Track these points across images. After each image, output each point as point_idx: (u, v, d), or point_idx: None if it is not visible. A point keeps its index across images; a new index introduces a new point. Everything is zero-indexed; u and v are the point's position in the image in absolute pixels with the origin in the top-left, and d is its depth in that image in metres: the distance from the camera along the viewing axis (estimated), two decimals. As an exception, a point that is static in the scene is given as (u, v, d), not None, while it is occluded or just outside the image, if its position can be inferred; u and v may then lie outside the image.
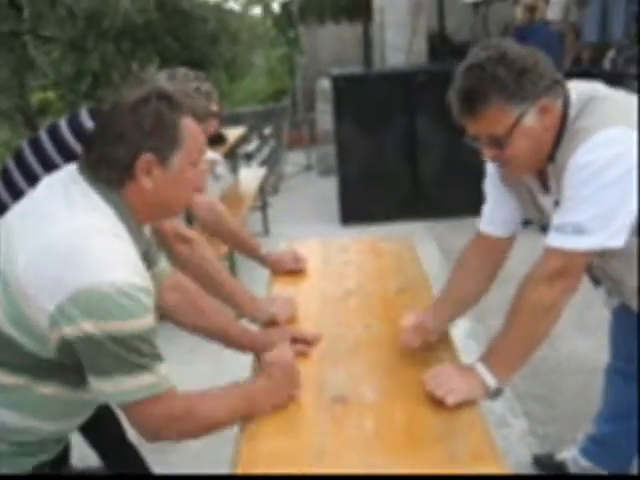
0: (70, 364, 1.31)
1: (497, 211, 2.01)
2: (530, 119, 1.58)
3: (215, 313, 1.83)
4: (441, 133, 5.98)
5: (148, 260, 1.52)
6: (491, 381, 1.59)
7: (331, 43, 10.93)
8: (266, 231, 6.04)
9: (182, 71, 2.22)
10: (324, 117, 7.87)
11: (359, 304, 2.13)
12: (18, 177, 2.31)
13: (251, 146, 7.95)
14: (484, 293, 2.04)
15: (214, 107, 2.18)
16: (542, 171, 1.75)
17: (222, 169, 5.51)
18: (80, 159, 1.41)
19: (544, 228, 1.83)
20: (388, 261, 2.49)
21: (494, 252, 2.02)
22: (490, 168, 2.04)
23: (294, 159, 8.82)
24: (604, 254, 1.67)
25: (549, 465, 2.55)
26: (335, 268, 2.45)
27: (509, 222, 2.01)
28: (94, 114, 2.35)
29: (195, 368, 3.39)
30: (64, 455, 2.35)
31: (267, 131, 8.58)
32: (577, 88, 1.68)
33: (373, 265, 2.47)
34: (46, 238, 1.27)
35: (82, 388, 1.39)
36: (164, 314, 1.77)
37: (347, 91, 6.05)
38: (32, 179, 2.30)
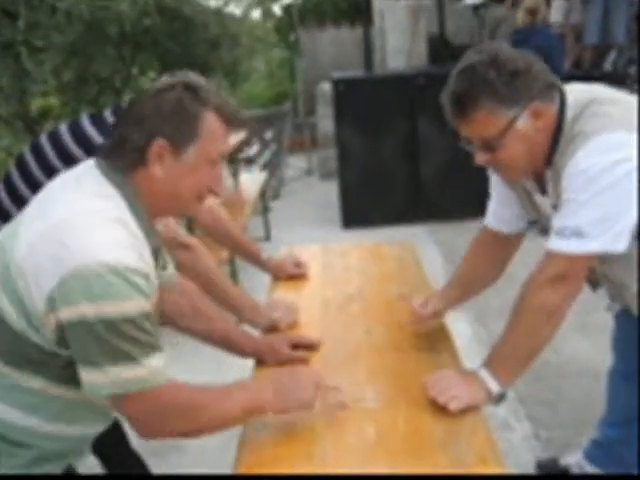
0: (63, 356, 1.30)
1: (500, 209, 2.02)
2: (522, 123, 1.57)
3: (216, 317, 1.82)
4: (442, 136, 5.97)
5: (159, 261, 1.50)
6: (494, 387, 1.58)
7: (331, 47, 10.94)
8: (267, 236, 6.04)
9: (181, 75, 2.21)
10: (325, 121, 7.88)
11: (360, 309, 2.12)
12: (20, 184, 2.31)
13: (252, 150, 7.95)
14: (491, 281, 2.07)
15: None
16: (539, 174, 1.74)
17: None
18: (98, 151, 1.41)
19: (545, 231, 1.83)
20: (389, 266, 2.48)
21: (501, 247, 2.04)
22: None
23: (295, 163, 8.82)
24: (605, 259, 1.66)
25: (553, 470, 2.53)
26: (336, 273, 2.44)
27: (513, 220, 1.99)
28: (95, 120, 2.35)
29: (197, 370, 3.38)
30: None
31: (268, 135, 8.58)
32: (575, 91, 1.66)
33: (374, 270, 2.47)
34: (48, 220, 1.27)
35: (71, 385, 1.35)
36: (165, 318, 1.75)
37: (348, 94, 6.06)
38: (34, 186, 2.31)
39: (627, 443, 2.34)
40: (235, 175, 5.86)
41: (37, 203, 1.37)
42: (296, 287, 2.35)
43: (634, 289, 1.81)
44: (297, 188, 8.04)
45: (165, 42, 8.93)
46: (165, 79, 1.39)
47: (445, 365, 1.73)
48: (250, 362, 1.85)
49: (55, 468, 1.45)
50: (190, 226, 3.70)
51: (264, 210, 6.10)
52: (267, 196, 6.31)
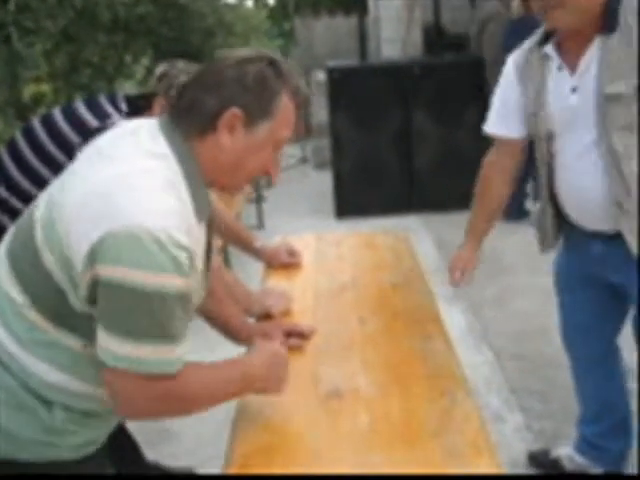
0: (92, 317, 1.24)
1: (504, 112, 2.17)
2: None
3: (225, 301, 1.79)
4: (436, 126, 5.97)
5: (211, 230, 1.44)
6: None
7: (326, 35, 10.89)
8: (261, 224, 6.02)
9: (181, 64, 2.20)
10: (319, 110, 7.85)
11: (354, 298, 2.11)
12: (14, 170, 2.30)
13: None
14: (507, 197, 2.33)
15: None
16: (576, 47, 1.88)
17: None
18: (170, 102, 1.40)
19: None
20: (383, 255, 2.48)
21: (508, 155, 2.26)
22: (510, 66, 2.11)
23: (289, 152, 8.80)
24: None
25: (544, 462, 2.54)
26: (330, 262, 2.43)
27: (517, 124, 2.13)
28: (91, 105, 2.33)
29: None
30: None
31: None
32: None
33: (368, 259, 2.46)
34: (101, 174, 1.22)
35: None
36: None
37: (342, 83, 6.04)
38: (27, 171, 2.29)
39: (608, 436, 2.36)
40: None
41: (89, 155, 1.31)
42: (289, 276, 2.34)
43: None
44: (291, 177, 8.02)
45: (159, 30, 8.89)
46: (243, 50, 1.36)
47: (439, 353, 1.72)
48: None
49: (71, 452, 1.38)
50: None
51: (258, 199, 6.09)
52: (261, 185, 6.29)
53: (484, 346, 3.52)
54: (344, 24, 10.72)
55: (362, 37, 6.94)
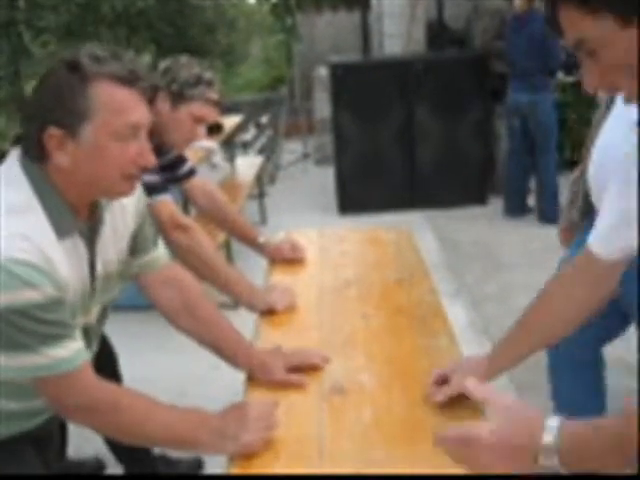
0: None
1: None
2: None
3: (212, 322, 1.70)
4: (439, 122, 5.97)
5: (96, 244, 1.46)
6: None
7: (329, 31, 10.86)
8: (263, 220, 6.02)
9: (184, 59, 2.20)
10: (322, 105, 7.84)
11: (357, 294, 2.11)
12: None
13: (248, 135, 7.92)
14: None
15: (215, 96, 2.16)
16: None
17: (219, 158, 5.49)
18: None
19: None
20: (386, 251, 2.48)
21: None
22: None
23: (291, 148, 8.79)
24: None
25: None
26: (333, 258, 2.43)
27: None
28: None
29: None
30: (61, 448, 2.35)
31: (264, 120, 8.54)
32: None
33: (371, 255, 2.46)
34: None
35: None
36: (160, 311, 1.72)
37: (345, 79, 6.03)
38: None
39: None
40: (231, 159, 5.84)
41: None
42: (293, 271, 2.34)
43: None
44: (293, 173, 8.01)
45: (159, 24, 8.89)
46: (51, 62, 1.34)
47: (442, 350, 1.73)
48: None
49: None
50: (185, 208, 3.69)
51: (260, 195, 6.08)
52: (263, 180, 6.29)
53: (486, 342, 3.52)
54: (347, 20, 10.70)
55: (365, 33, 6.92)
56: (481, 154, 6.01)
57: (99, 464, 2.73)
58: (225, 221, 2.51)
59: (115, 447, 2.47)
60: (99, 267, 1.46)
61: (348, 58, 6.89)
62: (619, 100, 1.84)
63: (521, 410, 1.15)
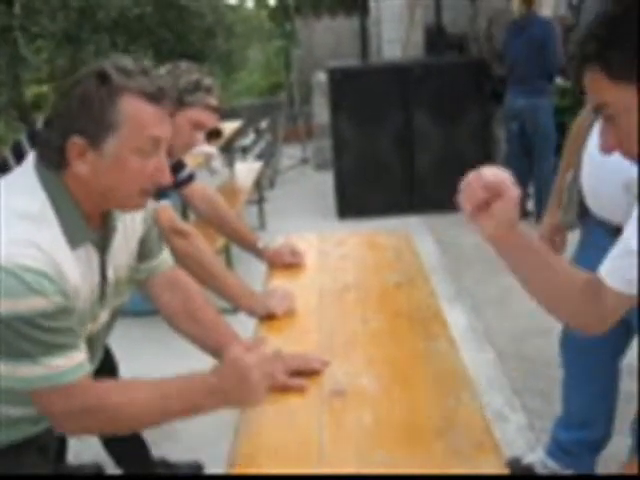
0: None
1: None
2: None
3: (213, 326, 1.71)
4: (437, 126, 5.97)
5: (143, 254, 1.46)
6: None
7: (327, 36, 10.89)
8: (262, 225, 6.03)
9: (184, 65, 2.20)
10: (320, 110, 7.85)
11: (357, 298, 2.11)
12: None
13: (247, 140, 7.93)
14: None
15: (214, 102, 2.17)
16: None
17: (218, 163, 5.50)
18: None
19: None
20: (386, 255, 2.48)
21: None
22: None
23: (290, 153, 8.80)
24: None
25: (517, 469, 2.50)
26: (332, 262, 2.43)
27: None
28: None
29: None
30: (60, 452, 2.36)
31: (263, 125, 8.55)
32: None
33: (371, 259, 2.46)
34: None
35: None
36: (161, 314, 1.73)
37: (343, 84, 6.04)
38: None
39: (584, 447, 2.35)
40: (230, 164, 5.84)
41: None
42: (292, 276, 2.34)
43: None
44: (292, 178, 8.02)
45: (159, 30, 8.90)
46: (82, 70, 1.33)
47: (442, 353, 1.73)
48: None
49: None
50: (184, 213, 3.70)
51: (259, 199, 6.09)
52: (262, 185, 6.29)
53: (486, 346, 3.52)
54: (345, 25, 10.73)
55: (363, 38, 6.94)
56: (480, 158, 6.01)
57: (98, 469, 2.72)
58: (224, 226, 2.52)
59: (114, 451, 2.47)
60: (110, 274, 1.47)
61: (346, 63, 6.91)
62: None
63: None
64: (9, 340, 1.22)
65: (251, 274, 2.87)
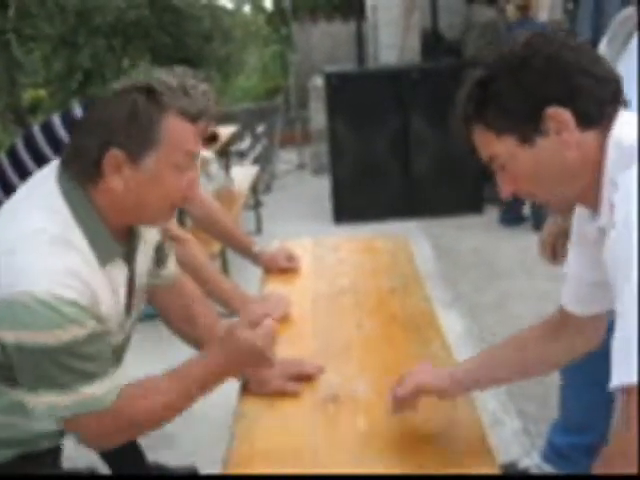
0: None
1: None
2: None
3: (210, 329, 1.71)
4: (434, 131, 5.98)
5: (133, 264, 1.46)
6: None
7: (324, 41, 10.90)
8: (259, 230, 6.02)
9: (179, 70, 2.20)
10: (317, 115, 7.86)
11: (352, 302, 2.11)
12: (13, 176, 2.29)
13: (244, 144, 7.93)
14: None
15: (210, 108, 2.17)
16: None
17: (214, 167, 5.49)
18: (61, 152, 1.37)
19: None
20: (381, 259, 2.48)
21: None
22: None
23: (287, 157, 8.81)
24: None
25: (513, 474, 2.48)
26: (328, 266, 2.43)
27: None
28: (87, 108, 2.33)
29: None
30: (55, 457, 2.35)
31: (260, 129, 8.56)
32: None
33: (366, 263, 2.46)
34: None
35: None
36: (159, 314, 1.73)
37: (340, 89, 6.04)
38: (27, 177, 2.29)
39: (581, 451, 2.35)
40: (227, 169, 5.84)
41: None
42: (288, 280, 2.34)
43: None
44: (289, 182, 8.02)
45: (155, 34, 8.91)
46: (125, 81, 1.33)
47: (437, 358, 1.73)
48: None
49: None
50: (181, 219, 3.69)
51: (255, 204, 6.09)
52: (259, 190, 6.29)
53: (481, 351, 3.52)
54: (342, 29, 10.74)
55: (360, 42, 6.95)
56: (477, 163, 6.00)
57: (92, 474, 2.71)
58: (220, 231, 2.51)
59: (108, 457, 2.46)
60: (137, 284, 1.47)
61: (343, 67, 6.92)
62: None
63: None
64: (46, 370, 1.21)
65: (247, 279, 2.88)
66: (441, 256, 5.09)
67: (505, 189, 1.23)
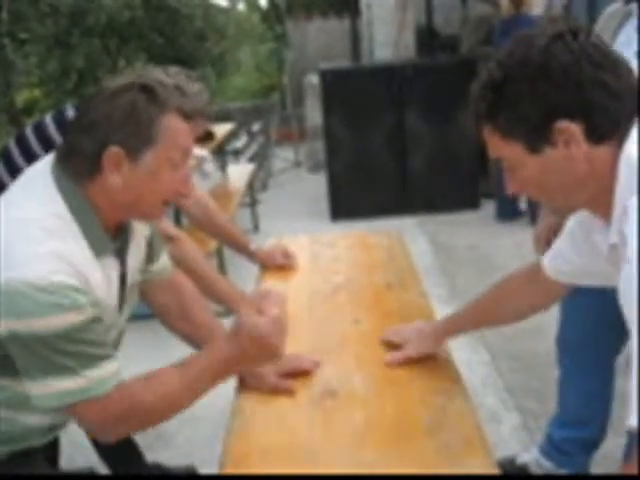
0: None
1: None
2: None
3: (206, 326, 1.71)
4: (430, 127, 5.97)
5: (125, 258, 1.45)
6: None
7: (319, 38, 10.90)
8: (256, 228, 6.02)
9: (173, 70, 2.20)
10: (313, 112, 7.85)
11: (348, 298, 2.11)
12: (4, 175, 2.29)
13: (239, 142, 7.92)
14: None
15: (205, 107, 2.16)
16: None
17: (210, 166, 5.49)
18: (56, 149, 1.37)
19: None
20: (377, 255, 2.48)
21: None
22: None
23: (283, 155, 8.80)
24: None
25: (512, 469, 2.48)
26: (324, 263, 2.43)
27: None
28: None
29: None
30: (53, 456, 2.34)
31: (255, 127, 8.55)
32: None
33: (362, 260, 2.46)
34: None
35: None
36: (154, 311, 1.73)
37: (335, 86, 6.04)
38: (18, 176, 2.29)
39: (579, 445, 2.35)
40: (223, 167, 5.84)
41: None
42: (284, 277, 2.34)
43: None
44: (285, 180, 8.02)
45: (150, 34, 8.90)
46: (120, 79, 1.33)
47: (433, 353, 1.73)
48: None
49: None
50: (177, 217, 3.69)
51: (252, 202, 6.08)
52: (255, 188, 6.28)
53: (480, 346, 3.52)
54: (337, 26, 10.74)
55: (355, 39, 6.95)
56: (472, 158, 6.02)
57: (92, 474, 2.71)
58: (216, 229, 2.51)
59: (107, 456, 2.46)
60: (129, 280, 1.47)
61: (338, 65, 6.91)
62: None
63: None
64: (47, 357, 1.21)
65: (244, 276, 2.87)
66: (438, 252, 5.09)
67: (511, 187, 1.25)
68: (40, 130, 2.28)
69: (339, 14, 10.80)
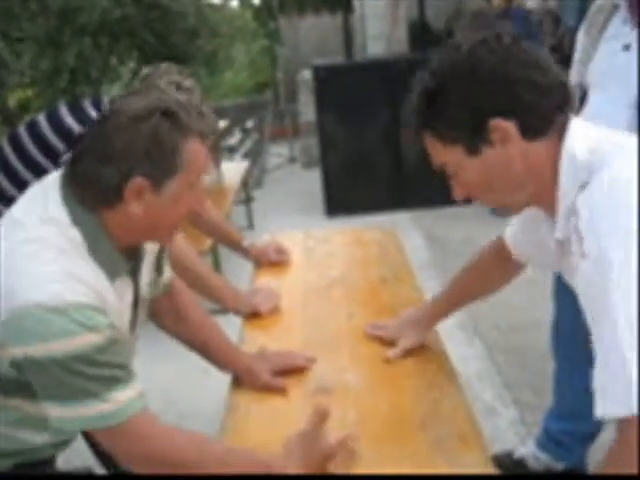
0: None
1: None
2: None
3: (200, 325, 1.70)
4: (424, 122, 5.96)
5: (137, 276, 1.42)
6: None
7: (312, 34, 10.88)
8: (250, 225, 6.01)
9: (164, 66, 2.18)
10: (307, 108, 7.84)
11: (343, 294, 2.11)
12: (1, 178, 2.28)
13: (233, 139, 7.91)
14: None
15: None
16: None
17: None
18: (66, 167, 1.28)
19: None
20: (372, 251, 2.47)
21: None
22: None
23: (277, 151, 8.79)
24: None
25: (508, 463, 2.48)
26: (318, 259, 2.43)
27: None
28: (73, 109, 2.31)
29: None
30: (49, 467, 2.33)
31: (249, 124, 8.53)
32: None
33: (357, 255, 2.46)
34: (2, 248, 1.19)
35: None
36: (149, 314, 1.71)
37: (329, 82, 6.02)
38: (12, 176, 2.28)
39: (575, 437, 2.35)
40: (217, 164, 5.82)
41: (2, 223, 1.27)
42: (279, 273, 2.33)
43: None
44: (280, 177, 8.01)
45: (142, 32, 8.87)
46: (139, 99, 1.24)
47: (427, 347, 1.72)
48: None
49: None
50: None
51: (247, 199, 6.07)
52: (250, 185, 6.27)
53: (476, 340, 3.52)
54: (329, 22, 10.72)
55: (348, 35, 6.93)
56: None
57: (89, 474, 2.70)
58: (210, 227, 2.50)
59: (104, 459, 2.45)
60: (141, 298, 1.44)
61: (331, 60, 6.89)
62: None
63: None
64: (67, 382, 1.16)
65: (238, 275, 2.86)
66: (432, 246, 5.09)
67: (458, 193, 1.29)
68: (33, 129, 2.27)
69: (332, 10, 10.78)
